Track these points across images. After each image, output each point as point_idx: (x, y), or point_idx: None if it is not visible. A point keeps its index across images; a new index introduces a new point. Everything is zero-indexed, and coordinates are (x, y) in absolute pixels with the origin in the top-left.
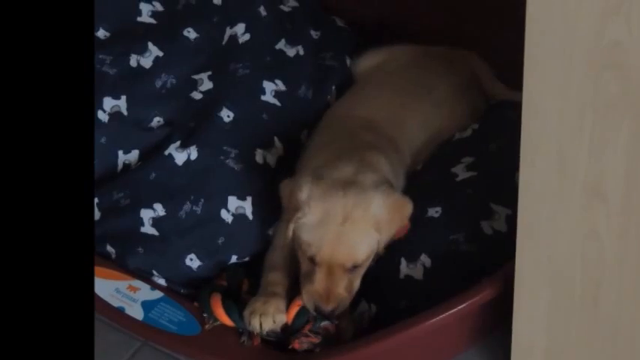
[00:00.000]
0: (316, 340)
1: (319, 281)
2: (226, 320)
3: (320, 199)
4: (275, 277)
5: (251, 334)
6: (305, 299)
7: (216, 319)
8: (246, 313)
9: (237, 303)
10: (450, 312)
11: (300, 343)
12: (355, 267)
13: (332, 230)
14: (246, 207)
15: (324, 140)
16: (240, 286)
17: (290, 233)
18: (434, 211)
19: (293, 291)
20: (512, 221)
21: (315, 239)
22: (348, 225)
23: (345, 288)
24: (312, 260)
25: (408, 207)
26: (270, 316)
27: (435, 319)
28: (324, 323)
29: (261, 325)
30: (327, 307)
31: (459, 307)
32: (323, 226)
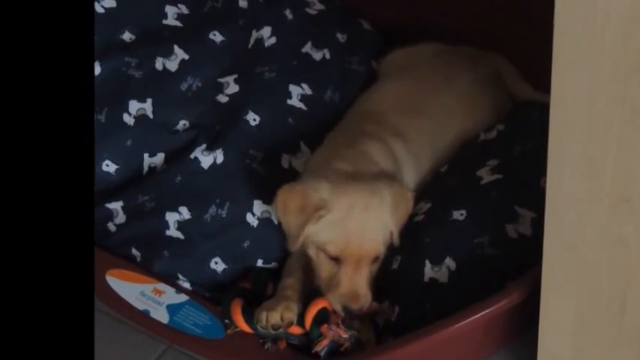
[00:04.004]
0: (345, 334)
1: (345, 281)
2: (245, 328)
3: (342, 193)
4: (289, 282)
5: (275, 340)
6: (332, 303)
7: (236, 326)
8: (256, 311)
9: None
10: (476, 316)
11: (327, 331)
12: (377, 258)
13: (356, 221)
14: (272, 211)
15: (330, 135)
16: (265, 290)
17: (302, 239)
18: (459, 214)
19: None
20: (537, 224)
21: (340, 234)
22: (369, 214)
23: (368, 284)
24: (336, 259)
25: (409, 194)
26: (277, 312)
27: (460, 324)
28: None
29: (267, 318)
30: (356, 306)
31: (485, 312)
32: (347, 219)
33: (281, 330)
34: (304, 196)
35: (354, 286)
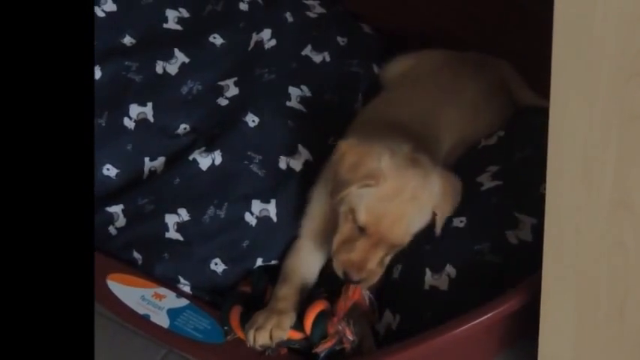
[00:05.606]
0: (351, 336)
1: (358, 251)
2: (243, 335)
3: (397, 173)
4: (284, 292)
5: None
6: (335, 264)
7: (235, 333)
8: (247, 325)
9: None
10: (476, 322)
11: (332, 326)
12: (398, 245)
13: (397, 206)
14: (270, 209)
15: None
16: (265, 293)
17: (343, 195)
18: (459, 221)
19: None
20: (537, 231)
21: (377, 211)
22: (413, 204)
23: (378, 263)
24: (361, 229)
25: (459, 185)
26: (266, 331)
27: (460, 329)
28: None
29: (255, 338)
30: (357, 277)
31: (485, 318)
32: (390, 200)
33: (271, 348)
34: (363, 157)
35: (365, 258)
